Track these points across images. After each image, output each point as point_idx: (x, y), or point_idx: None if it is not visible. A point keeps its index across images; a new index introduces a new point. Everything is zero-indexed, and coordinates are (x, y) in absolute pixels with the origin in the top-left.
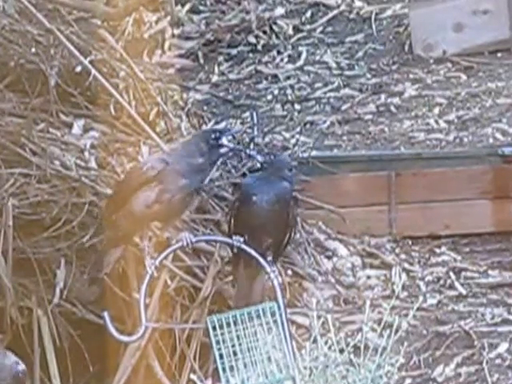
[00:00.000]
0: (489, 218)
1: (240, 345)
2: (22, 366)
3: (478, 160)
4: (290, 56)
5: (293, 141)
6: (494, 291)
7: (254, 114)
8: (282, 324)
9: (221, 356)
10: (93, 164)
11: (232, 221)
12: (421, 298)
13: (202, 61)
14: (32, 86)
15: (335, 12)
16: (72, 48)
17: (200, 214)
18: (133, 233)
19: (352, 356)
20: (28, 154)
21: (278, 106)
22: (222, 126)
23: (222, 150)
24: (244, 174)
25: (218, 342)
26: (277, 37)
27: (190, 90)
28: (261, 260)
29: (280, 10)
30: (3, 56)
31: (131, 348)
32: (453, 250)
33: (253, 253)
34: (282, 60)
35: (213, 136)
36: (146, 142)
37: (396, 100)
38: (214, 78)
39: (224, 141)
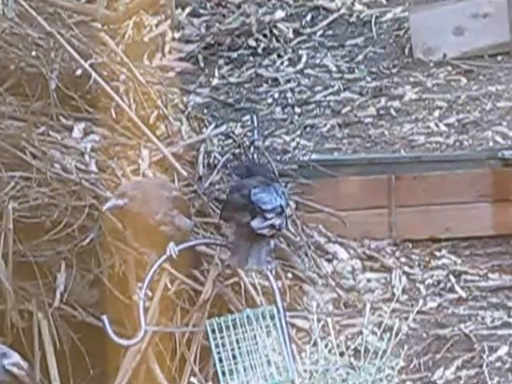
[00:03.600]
0: (489, 221)
1: (239, 348)
2: (11, 360)
3: (478, 163)
4: (290, 59)
5: (293, 144)
6: (494, 294)
7: (254, 118)
8: (282, 327)
9: (220, 359)
10: (93, 167)
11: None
12: (421, 301)
13: (202, 64)
14: (32, 89)
15: (335, 15)
16: (72, 51)
17: (200, 217)
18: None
19: (352, 359)
20: (28, 158)
21: (279, 109)
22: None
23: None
24: None
25: (217, 346)
26: (277, 40)
27: (190, 94)
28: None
29: (280, 14)
30: (3, 59)
31: (131, 351)
32: (453, 253)
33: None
34: (282, 63)
35: None
36: (147, 145)
37: (396, 103)
38: (215, 82)
39: None
